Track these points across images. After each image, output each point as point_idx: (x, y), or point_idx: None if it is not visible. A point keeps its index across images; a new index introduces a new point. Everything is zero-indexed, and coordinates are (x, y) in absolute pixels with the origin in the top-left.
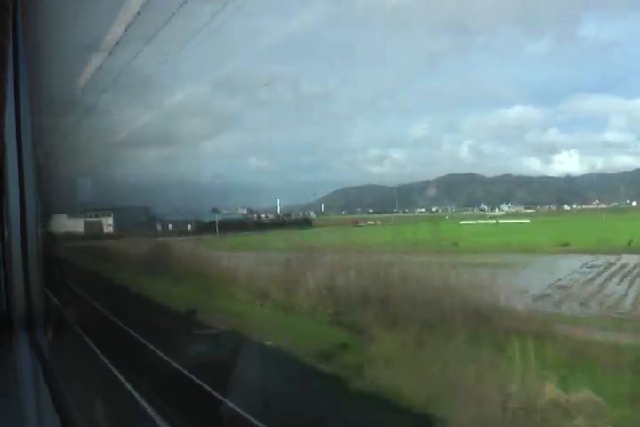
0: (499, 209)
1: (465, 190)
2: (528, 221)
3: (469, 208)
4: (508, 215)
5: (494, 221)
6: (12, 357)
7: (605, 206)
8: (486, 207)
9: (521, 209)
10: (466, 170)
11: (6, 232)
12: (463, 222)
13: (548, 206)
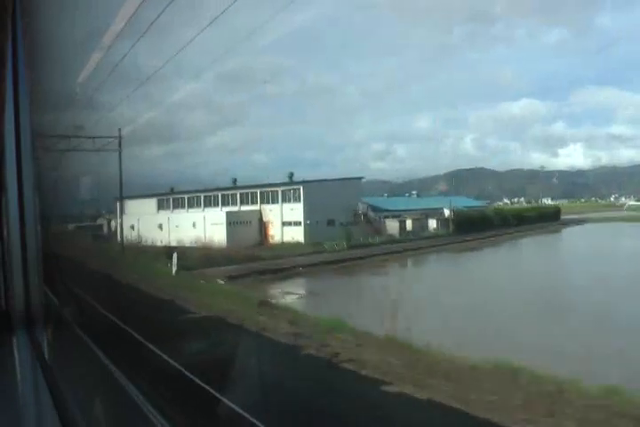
0: None
1: None
2: None
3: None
4: None
5: None
6: (10, 355)
7: None
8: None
9: None
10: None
11: (5, 231)
12: None
13: None
